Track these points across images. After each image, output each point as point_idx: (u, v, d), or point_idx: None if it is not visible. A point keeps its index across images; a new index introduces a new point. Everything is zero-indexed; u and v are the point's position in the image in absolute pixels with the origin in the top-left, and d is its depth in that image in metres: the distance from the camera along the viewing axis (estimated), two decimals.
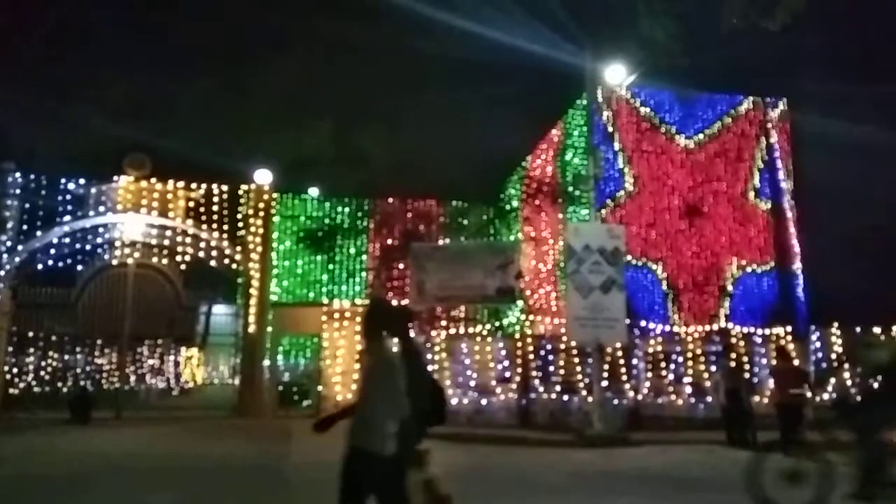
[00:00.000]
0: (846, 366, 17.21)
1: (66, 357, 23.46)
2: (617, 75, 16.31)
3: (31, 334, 21.50)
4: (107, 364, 24.56)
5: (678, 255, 20.07)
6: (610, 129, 20.20)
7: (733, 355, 15.72)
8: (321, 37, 27.21)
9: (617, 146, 20.20)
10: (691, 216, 20.28)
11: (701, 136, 20.92)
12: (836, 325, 17.66)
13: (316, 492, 8.19)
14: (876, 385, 8.49)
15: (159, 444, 12.89)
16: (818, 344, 17.59)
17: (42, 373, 22.21)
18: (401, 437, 4.43)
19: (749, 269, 20.32)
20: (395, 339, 4.55)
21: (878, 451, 7.13)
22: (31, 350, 22.06)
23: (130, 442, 13.24)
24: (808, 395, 13.22)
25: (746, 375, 15.06)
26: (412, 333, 4.50)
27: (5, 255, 18.52)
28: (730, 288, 20.09)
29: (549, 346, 17.41)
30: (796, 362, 13.83)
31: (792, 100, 21.59)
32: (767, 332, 18.42)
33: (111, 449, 12.10)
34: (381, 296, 18.59)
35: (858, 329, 17.42)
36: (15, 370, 20.70)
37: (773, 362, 15.85)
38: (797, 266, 20.67)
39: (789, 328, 18.54)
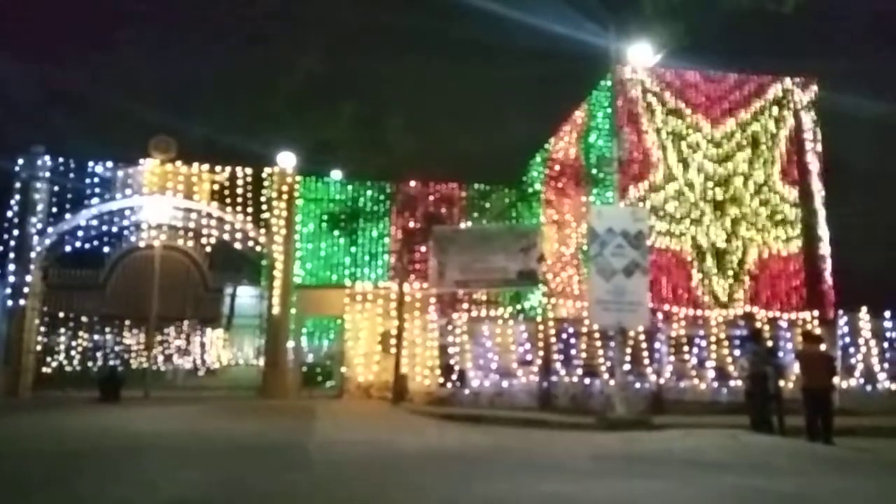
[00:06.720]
0: (874, 351, 16.95)
1: (96, 337, 23.93)
2: (642, 55, 16.08)
3: (61, 315, 21.94)
4: (135, 344, 25.02)
5: (703, 238, 19.85)
6: (635, 110, 19.93)
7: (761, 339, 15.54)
8: (345, 21, 27.22)
9: (642, 128, 19.96)
10: (717, 199, 20.03)
11: (728, 117, 20.59)
12: (864, 309, 17.36)
13: (338, 469, 8.31)
14: None
15: (186, 423, 13.13)
16: (846, 329, 17.32)
17: (73, 352, 22.70)
18: None
19: (775, 253, 20.04)
20: None
21: None
22: (62, 330, 22.54)
23: (159, 421, 13.50)
24: (836, 380, 13.06)
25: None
26: None
27: (36, 238, 18.90)
28: (756, 272, 19.84)
29: (570, 330, 17.37)
30: (823, 347, 13.62)
31: (822, 81, 21.12)
32: (794, 316, 18.18)
33: (140, 427, 12.36)
34: None
35: (888, 314, 17.13)
36: (47, 350, 21.19)
37: (800, 347, 15.67)
38: (825, 250, 20.33)
39: (816, 312, 18.27)
